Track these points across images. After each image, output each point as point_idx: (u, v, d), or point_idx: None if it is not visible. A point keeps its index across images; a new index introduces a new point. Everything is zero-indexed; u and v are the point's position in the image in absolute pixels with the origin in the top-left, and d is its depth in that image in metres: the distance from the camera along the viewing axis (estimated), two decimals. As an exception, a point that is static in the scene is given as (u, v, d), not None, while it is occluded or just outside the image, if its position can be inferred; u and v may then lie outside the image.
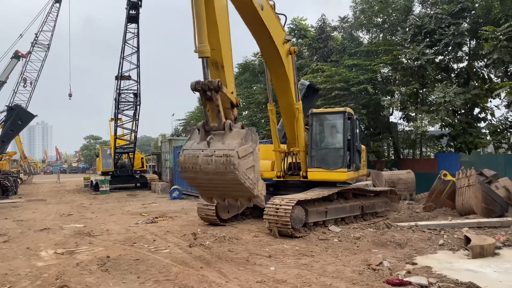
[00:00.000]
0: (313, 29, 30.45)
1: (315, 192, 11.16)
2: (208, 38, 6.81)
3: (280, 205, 10.22)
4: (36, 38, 34.73)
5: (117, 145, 29.11)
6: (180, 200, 21.13)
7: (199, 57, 6.76)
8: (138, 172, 31.42)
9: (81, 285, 6.83)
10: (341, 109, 12.59)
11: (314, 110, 12.70)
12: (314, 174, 12.01)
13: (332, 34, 27.97)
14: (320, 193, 11.09)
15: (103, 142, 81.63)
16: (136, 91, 27.97)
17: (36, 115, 33.45)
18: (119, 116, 28.43)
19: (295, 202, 10.09)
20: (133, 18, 26.92)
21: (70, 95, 43.12)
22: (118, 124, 28.52)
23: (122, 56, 27.28)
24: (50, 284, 6.91)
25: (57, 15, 35.46)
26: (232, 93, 7.36)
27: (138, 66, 27.56)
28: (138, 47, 27.36)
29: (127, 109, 28.45)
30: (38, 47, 34.88)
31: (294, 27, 33.66)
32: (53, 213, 16.76)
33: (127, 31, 27.04)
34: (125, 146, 29.86)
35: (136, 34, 27.21)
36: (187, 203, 19.53)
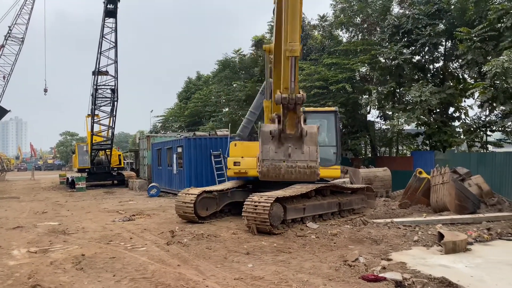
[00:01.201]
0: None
1: (293, 189, 11.22)
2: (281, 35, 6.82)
3: (259, 202, 10.24)
4: (9, 31, 33.77)
5: (94, 141, 28.67)
6: (158, 198, 20.94)
7: (287, 56, 6.72)
8: (115, 169, 31.02)
9: (54, 284, 6.69)
10: (332, 108, 13.05)
11: (307, 109, 12.76)
12: None
13: (312, 33, 28.13)
14: (299, 190, 11.15)
15: (80, 138, 79.99)
16: (113, 87, 27.55)
17: (10, 110, 32.66)
18: (96, 112, 27.98)
19: (274, 199, 10.13)
20: (110, 13, 26.47)
21: (45, 90, 42.22)
22: (95, 120, 28.07)
23: (99, 51, 26.81)
24: (22, 284, 6.74)
25: (32, 8, 34.57)
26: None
27: (116, 62, 27.17)
28: (116, 42, 26.95)
29: (104, 105, 28.05)
30: (12, 41, 33.99)
31: (273, 25, 33.69)
32: (27, 211, 16.38)
33: (105, 26, 26.60)
34: (102, 143, 29.42)
35: (114, 28, 26.78)
36: (165, 200, 19.37)
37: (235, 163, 12.00)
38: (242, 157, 12.50)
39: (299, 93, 6.84)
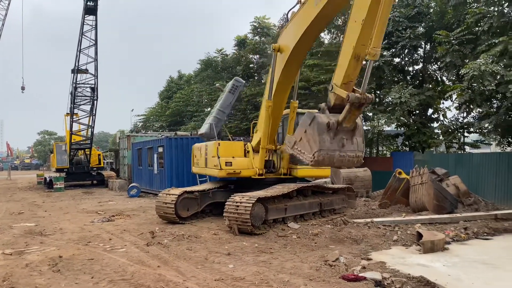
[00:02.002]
0: (276, 27, 30.65)
1: (275, 190, 11.24)
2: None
3: (240, 202, 10.23)
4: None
5: (72, 141, 28.16)
6: (139, 198, 20.69)
7: (368, 59, 7.43)
8: (95, 169, 30.52)
9: (30, 287, 6.53)
10: (316, 111, 12.99)
11: (299, 110, 12.75)
12: (303, 171, 12.51)
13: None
14: (280, 190, 11.18)
15: (58, 137, 78.55)
16: (93, 85, 27.10)
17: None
18: (75, 111, 27.51)
19: (256, 199, 10.12)
20: (90, 10, 26.00)
21: (23, 88, 41.30)
22: (74, 119, 27.56)
23: (79, 49, 26.34)
24: (-4, 287, 6.56)
25: (9, 3, 33.75)
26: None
27: (95, 60, 26.72)
28: (96, 40, 26.51)
29: (83, 104, 27.56)
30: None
31: (257, 25, 33.75)
32: (2, 212, 15.96)
33: (85, 23, 26.13)
34: (81, 142, 28.92)
35: (94, 26, 26.32)
36: (146, 201, 19.15)
37: (226, 163, 11.93)
38: (233, 157, 12.37)
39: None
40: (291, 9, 10.66)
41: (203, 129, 15.50)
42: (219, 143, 12.48)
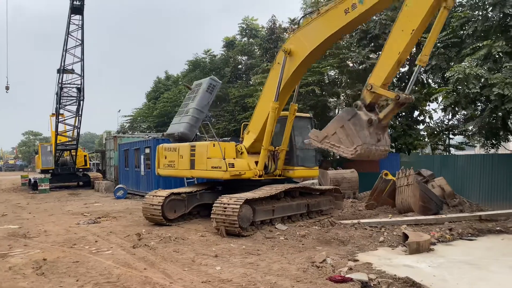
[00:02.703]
0: (264, 29, 30.72)
1: (262, 191, 11.24)
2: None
3: (228, 204, 10.20)
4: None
5: (58, 141, 27.77)
6: (125, 200, 20.50)
7: (418, 64, 8.40)
8: (81, 170, 30.19)
9: (13, 291, 6.42)
10: (308, 115, 14.16)
11: (282, 113, 12.78)
12: (298, 172, 12.89)
13: (282, 36, 28.35)
14: (268, 191, 11.18)
15: (44, 138, 77.56)
16: (79, 86, 26.80)
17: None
18: (61, 111, 27.13)
19: (243, 201, 10.11)
20: (77, 9, 25.71)
21: (7, 88, 40.52)
22: (59, 120, 27.20)
23: (65, 49, 26.03)
24: (-22, 290, 6.44)
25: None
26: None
27: (82, 60, 26.44)
28: (82, 40, 26.23)
29: (69, 104, 27.21)
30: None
31: (245, 27, 33.79)
32: (-15, 214, 15.66)
33: (71, 23, 25.82)
34: (67, 143, 28.54)
35: (80, 26, 26.04)
36: (132, 202, 18.99)
37: (230, 165, 11.81)
38: (234, 158, 12.27)
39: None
40: (303, 16, 11.79)
41: (181, 129, 14.18)
42: (213, 144, 12.23)
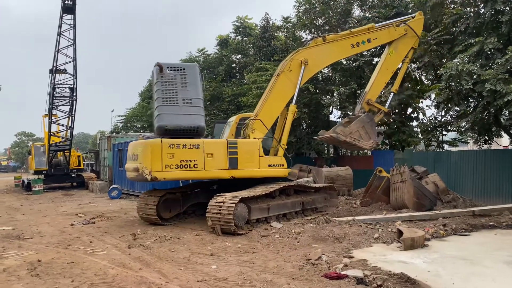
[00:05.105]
0: (257, 27, 30.68)
1: (258, 189, 11.26)
2: None
3: (223, 202, 10.20)
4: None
5: (51, 142, 27.60)
6: (120, 200, 20.44)
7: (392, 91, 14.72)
8: (75, 170, 30.03)
9: (8, 292, 6.38)
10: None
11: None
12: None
13: (276, 34, 28.33)
14: (263, 190, 11.19)
15: (37, 139, 77.00)
16: (72, 86, 26.63)
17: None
18: (54, 111, 26.96)
19: (238, 199, 10.12)
20: (69, 9, 25.53)
21: (-2, 89, 40.19)
22: (52, 120, 27.02)
23: (57, 49, 25.86)
24: (-28, 293, 6.39)
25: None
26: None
27: (74, 60, 26.27)
28: (74, 40, 26.07)
29: (62, 105, 27.04)
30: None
31: (239, 25, 33.74)
32: (-22, 216, 15.54)
33: (63, 23, 25.65)
34: (60, 144, 28.38)
35: (72, 25, 25.87)
36: (127, 202, 18.94)
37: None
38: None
39: None
40: (313, 38, 13.97)
41: (200, 122, 11.99)
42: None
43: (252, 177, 12.14)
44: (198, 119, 11.93)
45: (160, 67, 11.74)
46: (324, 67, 14.24)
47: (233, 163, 11.57)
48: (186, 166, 11.07)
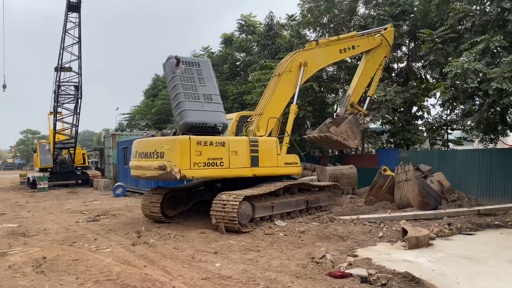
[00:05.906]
0: (261, 25, 30.63)
1: (262, 188, 11.25)
2: None
3: (227, 200, 10.21)
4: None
5: (56, 140, 27.72)
6: (124, 198, 20.50)
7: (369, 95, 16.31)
8: (80, 168, 30.17)
9: (13, 289, 6.42)
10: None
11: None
12: None
13: (280, 32, 28.27)
14: (267, 188, 11.19)
15: (42, 136, 77.44)
16: (77, 84, 26.72)
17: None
18: (59, 109, 27.07)
19: (242, 197, 10.12)
20: (74, 7, 25.57)
21: (4, 86, 40.44)
22: (57, 118, 27.14)
23: (62, 47, 25.93)
24: (-22, 289, 6.44)
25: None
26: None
27: (79, 58, 26.33)
28: (79, 38, 26.11)
29: (67, 102, 27.16)
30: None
31: (243, 23, 33.69)
32: (-16, 213, 15.64)
33: (68, 21, 25.71)
34: (65, 141, 28.50)
35: (77, 23, 25.93)
36: (131, 200, 18.99)
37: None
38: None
39: None
40: (314, 41, 14.65)
41: (223, 120, 11.67)
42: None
43: (271, 175, 12.16)
44: (220, 116, 11.54)
45: (177, 60, 11.26)
46: (317, 70, 15.12)
47: (254, 161, 11.50)
48: (213, 164, 10.78)
